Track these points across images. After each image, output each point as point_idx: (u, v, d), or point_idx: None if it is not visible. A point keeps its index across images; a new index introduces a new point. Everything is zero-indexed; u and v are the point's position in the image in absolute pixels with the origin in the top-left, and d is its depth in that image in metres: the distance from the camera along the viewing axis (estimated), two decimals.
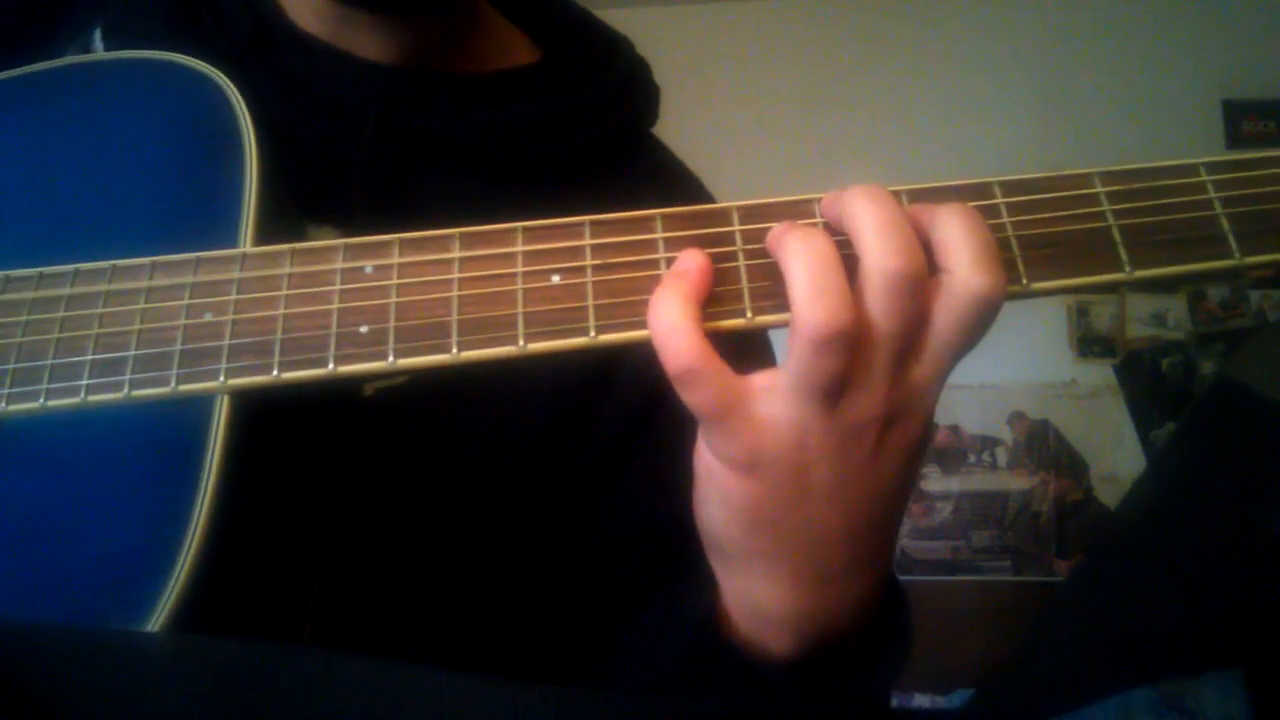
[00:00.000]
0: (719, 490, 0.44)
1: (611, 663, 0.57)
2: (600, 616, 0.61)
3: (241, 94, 0.55)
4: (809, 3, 3.01)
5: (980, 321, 0.42)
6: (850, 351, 0.40)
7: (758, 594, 0.46)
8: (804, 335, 0.40)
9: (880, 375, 0.41)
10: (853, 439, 0.42)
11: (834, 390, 0.41)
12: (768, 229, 0.44)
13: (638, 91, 0.72)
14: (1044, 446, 2.79)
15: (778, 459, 0.42)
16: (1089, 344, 2.87)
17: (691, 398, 0.42)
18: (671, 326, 0.42)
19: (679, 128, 0.78)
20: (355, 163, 0.61)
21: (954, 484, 2.80)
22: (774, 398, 0.42)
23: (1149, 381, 2.78)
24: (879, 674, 0.47)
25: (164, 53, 0.58)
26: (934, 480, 2.81)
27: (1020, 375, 2.83)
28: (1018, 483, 2.79)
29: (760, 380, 0.42)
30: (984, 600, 2.62)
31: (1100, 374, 2.84)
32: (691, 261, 0.44)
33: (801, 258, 0.41)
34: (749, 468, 0.43)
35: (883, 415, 0.42)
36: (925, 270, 0.41)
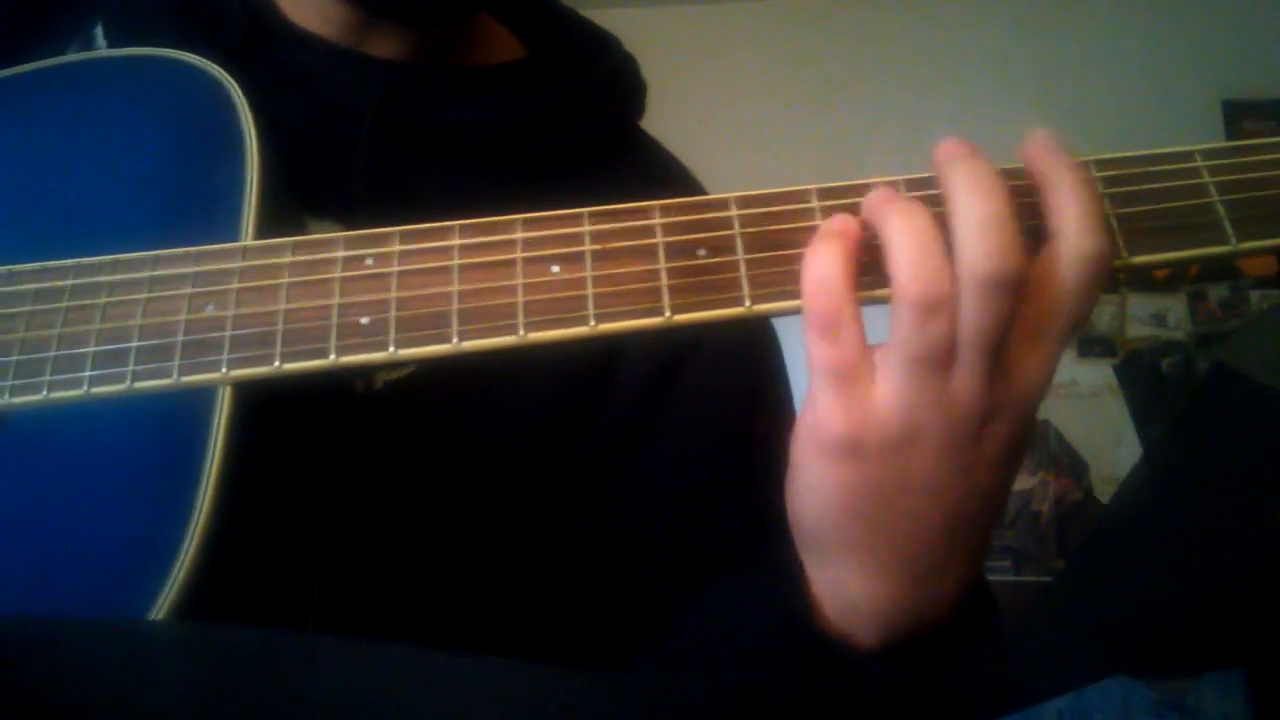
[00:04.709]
0: (818, 478, 0.44)
1: (661, 649, 0.56)
2: (620, 607, 0.61)
3: (243, 90, 0.55)
4: (806, 2, 3.02)
5: (1090, 288, 0.42)
6: (954, 320, 0.41)
7: (849, 586, 0.45)
8: (908, 301, 0.41)
9: (978, 368, 0.41)
10: (957, 428, 0.42)
11: (940, 359, 0.41)
12: (766, 216, 0.45)
13: (626, 85, 0.73)
14: (1044, 446, 2.79)
15: (883, 442, 0.42)
16: (1089, 344, 2.87)
17: (826, 352, 0.42)
18: (826, 275, 0.42)
19: (675, 128, 0.78)
20: (356, 156, 0.62)
21: None
22: (885, 371, 0.42)
23: (1149, 381, 2.78)
24: (965, 673, 0.47)
25: (167, 50, 0.59)
26: None
27: None
28: (1018, 483, 2.77)
29: (877, 352, 0.43)
30: None
31: (1100, 374, 2.84)
32: (846, 224, 0.44)
33: (904, 228, 0.42)
34: (853, 451, 0.42)
35: (985, 407, 0.42)
36: (1022, 272, 0.41)
